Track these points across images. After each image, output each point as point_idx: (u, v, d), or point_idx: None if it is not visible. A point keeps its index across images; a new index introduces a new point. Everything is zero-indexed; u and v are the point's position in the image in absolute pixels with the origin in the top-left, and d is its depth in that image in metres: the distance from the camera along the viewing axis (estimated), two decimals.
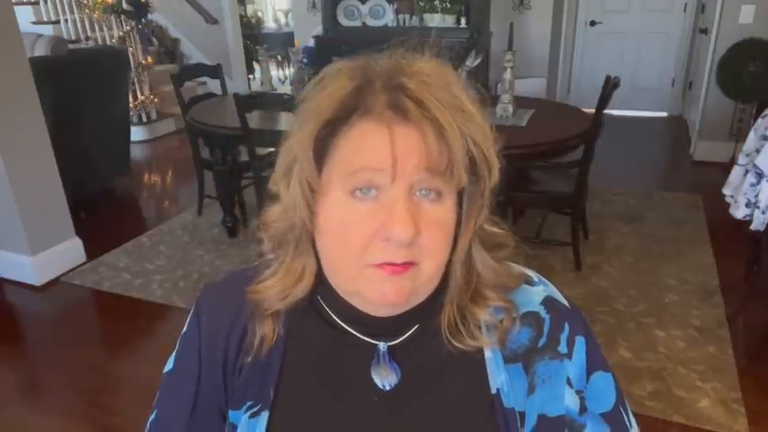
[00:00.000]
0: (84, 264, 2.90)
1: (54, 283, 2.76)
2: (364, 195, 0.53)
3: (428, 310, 0.60)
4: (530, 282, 0.65)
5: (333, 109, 0.53)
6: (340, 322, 0.62)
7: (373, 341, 0.61)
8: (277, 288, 0.60)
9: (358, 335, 0.61)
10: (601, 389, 0.64)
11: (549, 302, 0.63)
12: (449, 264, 0.57)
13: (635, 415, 0.68)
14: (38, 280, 2.73)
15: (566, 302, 0.65)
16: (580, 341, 0.63)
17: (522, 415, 0.61)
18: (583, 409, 0.63)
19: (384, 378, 0.60)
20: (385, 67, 0.54)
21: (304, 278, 0.59)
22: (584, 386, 0.63)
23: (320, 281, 0.60)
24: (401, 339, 0.61)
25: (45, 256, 2.76)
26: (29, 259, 2.71)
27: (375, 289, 0.54)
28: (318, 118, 0.53)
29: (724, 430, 1.78)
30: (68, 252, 2.87)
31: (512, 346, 0.61)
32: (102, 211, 3.63)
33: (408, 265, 0.53)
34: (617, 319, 2.34)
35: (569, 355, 0.62)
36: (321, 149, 0.54)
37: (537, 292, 0.64)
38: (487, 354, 0.61)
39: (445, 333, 0.59)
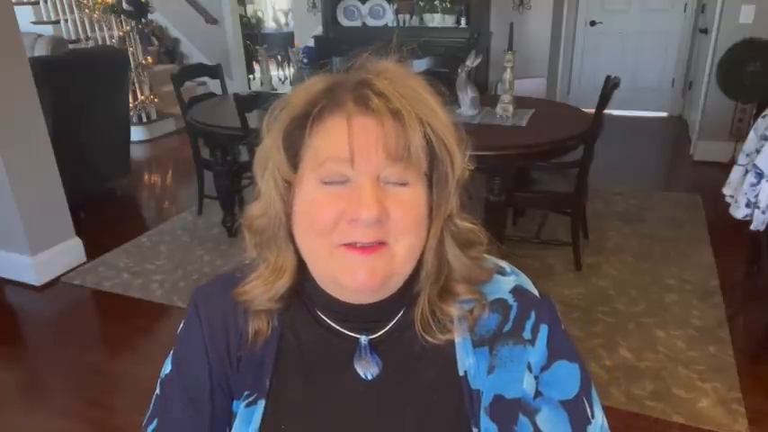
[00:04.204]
0: (84, 264, 2.90)
1: (54, 283, 2.76)
2: (334, 183, 0.57)
3: (404, 300, 0.64)
4: (502, 272, 0.68)
5: (302, 105, 0.58)
6: (324, 318, 0.65)
7: (355, 335, 0.65)
8: (261, 288, 0.63)
9: (341, 329, 0.65)
10: (562, 377, 0.67)
11: (517, 291, 0.67)
12: (423, 252, 0.60)
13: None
14: (38, 280, 2.73)
15: (536, 293, 0.68)
16: (544, 329, 0.65)
17: (481, 393, 0.64)
18: (537, 393, 0.65)
19: (366, 369, 0.64)
20: (353, 70, 0.60)
21: (285, 273, 0.63)
22: (541, 373, 0.65)
23: (304, 276, 0.63)
24: (380, 333, 0.65)
25: (45, 256, 2.76)
26: (29, 259, 2.71)
27: (348, 272, 0.57)
28: (288, 114, 0.59)
29: (724, 430, 1.78)
30: (68, 252, 2.88)
31: (480, 331, 0.65)
32: (102, 211, 3.63)
33: (379, 245, 0.56)
34: (617, 319, 2.34)
35: (532, 342, 0.65)
36: (295, 145, 0.58)
37: (507, 282, 0.68)
38: (457, 340, 0.64)
39: (419, 329, 0.63)
